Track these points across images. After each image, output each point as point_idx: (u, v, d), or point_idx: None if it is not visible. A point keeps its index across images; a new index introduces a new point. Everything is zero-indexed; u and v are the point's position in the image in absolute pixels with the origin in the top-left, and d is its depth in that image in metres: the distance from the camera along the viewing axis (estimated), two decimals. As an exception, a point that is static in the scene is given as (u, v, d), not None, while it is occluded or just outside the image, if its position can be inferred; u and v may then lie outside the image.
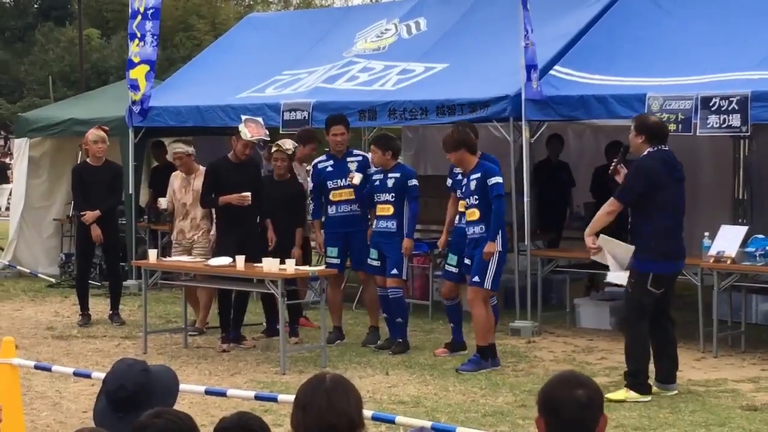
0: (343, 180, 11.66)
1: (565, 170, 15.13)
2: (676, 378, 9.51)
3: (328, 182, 11.75)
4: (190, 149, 12.61)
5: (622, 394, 9.17)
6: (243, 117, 11.79)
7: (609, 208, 9.24)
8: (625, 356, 9.39)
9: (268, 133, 11.89)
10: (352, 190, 11.64)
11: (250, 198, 11.38)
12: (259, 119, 11.92)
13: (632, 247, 9.18)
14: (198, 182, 12.29)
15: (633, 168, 9.23)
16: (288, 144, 11.76)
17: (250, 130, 11.45)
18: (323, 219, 11.86)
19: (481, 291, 10.33)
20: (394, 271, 11.27)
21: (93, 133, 13.13)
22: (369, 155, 11.70)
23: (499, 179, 10.24)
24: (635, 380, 9.23)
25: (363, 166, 11.65)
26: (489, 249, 10.17)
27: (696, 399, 9.29)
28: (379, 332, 11.73)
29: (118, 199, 13.47)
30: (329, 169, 11.78)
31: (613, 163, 9.68)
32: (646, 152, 9.18)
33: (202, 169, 12.35)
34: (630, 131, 9.35)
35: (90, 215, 12.94)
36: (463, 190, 10.50)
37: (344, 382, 3.79)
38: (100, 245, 13.30)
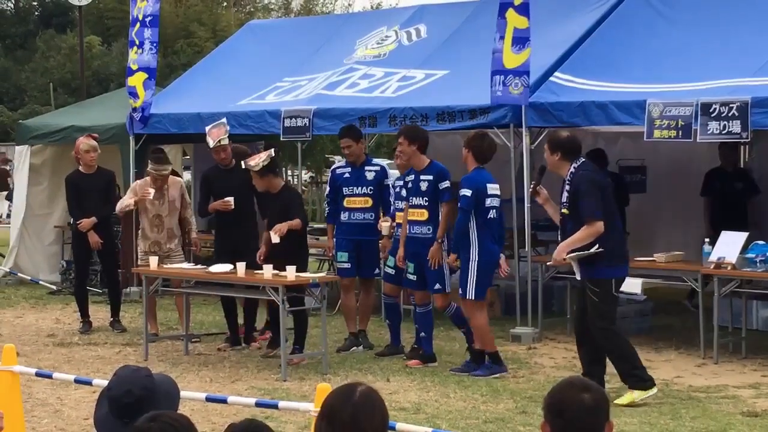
0: (359, 188, 11.75)
1: (742, 179, 13.47)
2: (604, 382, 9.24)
3: (344, 188, 11.84)
4: (169, 168, 12.56)
5: (629, 397, 9.25)
6: (207, 127, 11.95)
7: (591, 230, 9.04)
8: (614, 363, 9.35)
9: (227, 129, 11.96)
10: (367, 198, 11.70)
11: (231, 203, 11.58)
12: (222, 120, 12.21)
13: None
14: (173, 192, 12.31)
15: (583, 184, 9.06)
16: (254, 160, 11.23)
17: (211, 137, 11.82)
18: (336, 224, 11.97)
19: (468, 303, 10.41)
20: (437, 287, 10.80)
21: (84, 143, 13.08)
22: (386, 164, 11.70)
23: (466, 192, 10.29)
24: (634, 379, 9.29)
25: (380, 177, 11.65)
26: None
27: (697, 405, 9.29)
28: (359, 338, 11.89)
29: (113, 206, 13.47)
30: (346, 175, 11.87)
31: (533, 185, 9.68)
32: (573, 168, 9.14)
33: (175, 179, 12.51)
34: (545, 151, 9.36)
35: (86, 222, 12.96)
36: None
37: (373, 398, 3.65)
38: (97, 252, 13.31)
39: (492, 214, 10.40)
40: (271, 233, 11.08)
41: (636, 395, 9.22)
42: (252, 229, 12.00)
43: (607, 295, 9.12)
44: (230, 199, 11.67)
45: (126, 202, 12.40)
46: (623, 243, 9.36)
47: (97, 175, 13.11)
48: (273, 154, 11.31)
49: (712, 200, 13.36)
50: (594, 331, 9.20)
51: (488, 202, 10.38)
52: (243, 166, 11.34)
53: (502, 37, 12.00)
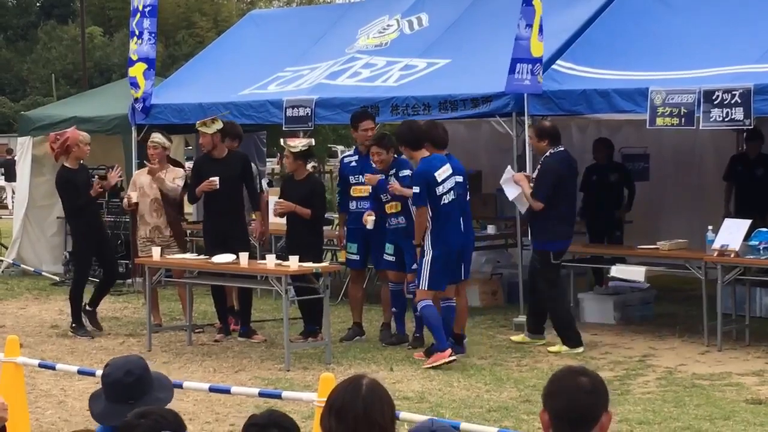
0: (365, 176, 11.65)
1: (764, 165, 13.50)
2: (544, 330, 11.32)
3: (350, 177, 11.78)
4: (168, 143, 12.56)
5: (558, 347, 10.96)
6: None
7: (532, 203, 10.90)
8: (552, 321, 11.10)
9: (213, 120, 11.90)
10: (370, 187, 11.59)
11: (217, 182, 11.52)
12: (222, 113, 12.54)
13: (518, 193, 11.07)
14: (170, 177, 12.31)
15: (541, 170, 10.90)
16: (295, 142, 11.63)
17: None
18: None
19: (420, 292, 10.49)
20: (415, 266, 11.00)
21: (85, 135, 12.77)
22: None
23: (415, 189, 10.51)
24: (567, 337, 10.98)
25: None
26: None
27: (700, 393, 9.29)
28: (363, 328, 11.92)
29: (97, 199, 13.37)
30: (353, 164, 11.80)
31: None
32: (548, 153, 10.85)
33: (175, 169, 12.54)
34: (532, 137, 11.16)
35: (113, 176, 12.48)
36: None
37: (380, 391, 3.67)
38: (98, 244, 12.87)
39: (445, 200, 10.42)
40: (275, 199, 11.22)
41: (564, 349, 10.90)
42: (241, 219, 11.96)
43: (547, 264, 10.92)
44: (215, 179, 11.55)
45: (129, 195, 12.44)
46: (567, 224, 11.04)
47: (82, 170, 12.60)
48: (312, 143, 11.73)
49: (734, 185, 13.52)
50: (542, 292, 11.08)
51: (439, 190, 10.40)
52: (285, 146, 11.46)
53: (529, 25, 11.80)
